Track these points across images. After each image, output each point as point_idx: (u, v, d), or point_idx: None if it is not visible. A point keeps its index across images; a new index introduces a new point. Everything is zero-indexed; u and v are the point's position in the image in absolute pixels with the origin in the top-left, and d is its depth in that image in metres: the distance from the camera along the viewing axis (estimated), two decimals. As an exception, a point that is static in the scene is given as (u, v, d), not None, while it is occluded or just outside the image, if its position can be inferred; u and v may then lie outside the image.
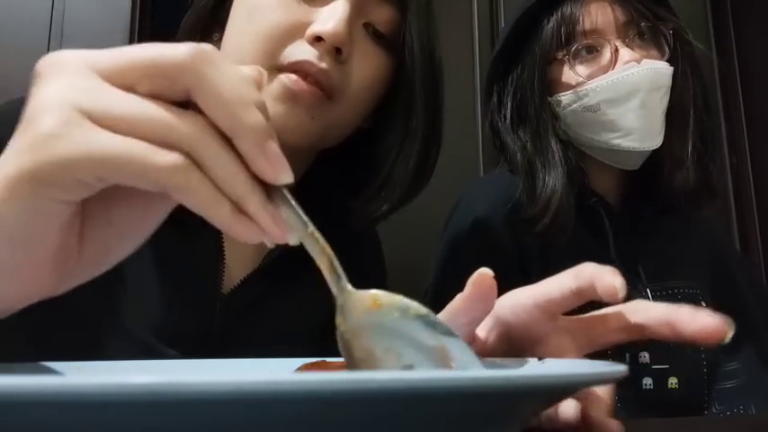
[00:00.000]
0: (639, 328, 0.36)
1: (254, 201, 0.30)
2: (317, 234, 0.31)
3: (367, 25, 0.58)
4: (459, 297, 0.38)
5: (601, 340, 0.39)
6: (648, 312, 0.36)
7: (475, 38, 1.43)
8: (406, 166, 0.59)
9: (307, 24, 0.54)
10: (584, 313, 0.40)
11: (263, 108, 0.31)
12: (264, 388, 0.18)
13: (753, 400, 0.77)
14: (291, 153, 0.61)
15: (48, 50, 1.15)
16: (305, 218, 0.31)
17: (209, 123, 0.29)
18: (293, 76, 0.53)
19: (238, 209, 0.30)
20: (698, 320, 0.33)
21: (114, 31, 1.18)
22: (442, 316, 0.39)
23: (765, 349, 0.82)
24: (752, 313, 0.84)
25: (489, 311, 0.38)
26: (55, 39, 1.15)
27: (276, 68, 0.54)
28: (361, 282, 0.72)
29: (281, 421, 0.20)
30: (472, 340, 0.40)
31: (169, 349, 0.54)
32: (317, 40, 0.53)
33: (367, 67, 0.57)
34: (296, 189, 0.69)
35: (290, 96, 0.53)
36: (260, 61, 0.54)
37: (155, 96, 0.29)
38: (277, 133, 0.57)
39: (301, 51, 0.54)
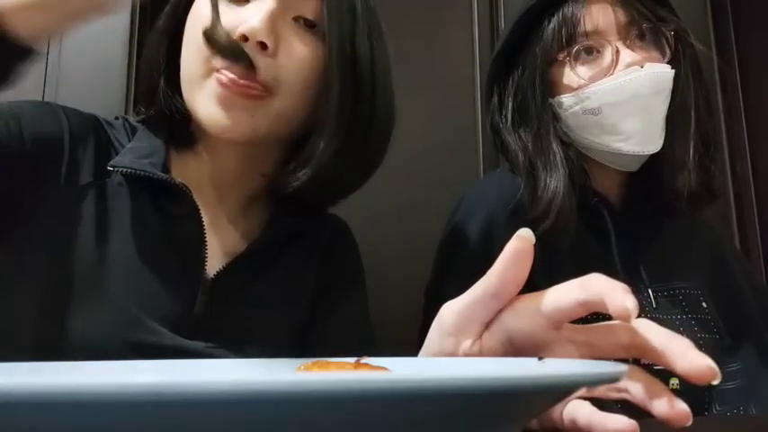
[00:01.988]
0: (640, 349, 0.36)
1: None
2: None
3: (298, 18, 0.61)
4: (494, 265, 0.39)
5: (603, 354, 0.38)
6: (649, 335, 0.36)
7: (475, 38, 1.43)
8: (325, 144, 0.62)
9: (237, 27, 0.58)
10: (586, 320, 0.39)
11: None
12: (265, 388, 0.18)
13: (753, 401, 0.77)
14: (252, 148, 0.65)
15: (47, 52, 1.15)
16: None
17: None
18: (227, 74, 0.57)
19: None
20: (688, 358, 0.33)
21: (114, 31, 1.18)
22: (475, 286, 0.40)
23: (766, 350, 0.81)
24: (752, 314, 0.84)
25: (521, 281, 0.38)
26: (54, 43, 1.15)
27: (213, 70, 0.59)
28: (329, 269, 0.73)
29: (281, 421, 0.20)
30: (486, 327, 0.40)
31: (155, 324, 0.56)
32: (245, 39, 0.58)
33: (296, 56, 0.60)
34: (270, 182, 0.72)
35: (223, 99, 0.58)
36: (200, 67, 0.59)
37: None
38: (223, 130, 0.60)
39: None
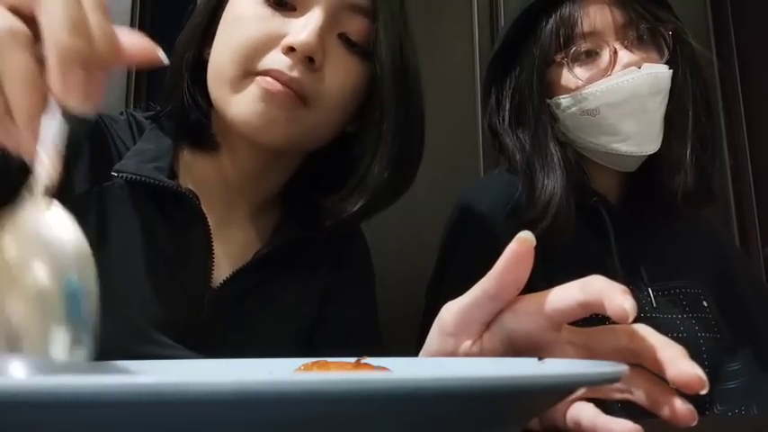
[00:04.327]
0: (635, 354, 0.36)
1: (22, 108, 0.32)
2: (52, 168, 0.32)
3: (341, 36, 0.60)
4: (494, 267, 0.38)
5: (601, 357, 0.39)
6: (645, 341, 0.36)
7: (475, 38, 1.43)
8: (380, 169, 0.61)
9: (282, 35, 0.57)
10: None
11: (104, 39, 0.33)
12: (265, 388, 0.18)
13: (755, 401, 0.77)
14: (277, 154, 0.64)
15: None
16: (55, 149, 0.33)
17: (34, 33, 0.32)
18: (269, 79, 0.57)
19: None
20: (679, 366, 0.33)
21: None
22: (475, 287, 0.40)
23: (767, 350, 0.81)
24: (753, 313, 0.84)
25: (521, 283, 0.38)
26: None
27: (253, 73, 0.58)
28: (339, 273, 0.72)
29: (281, 421, 0.20)
30: (486, 327, 0.40)
31: (160, 335, 0.55)
32: (291, 50, 0.57)
33: (340, 74, 0.60)
34: (284, 190, 0.72)
35: (266, 96, 0.57)
36: (238, 68, 0.58)
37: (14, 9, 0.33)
38: (257, 131, 0.59)
39: (275, 61, 0.57)
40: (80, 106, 0.33)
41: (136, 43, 0.36)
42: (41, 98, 0.32)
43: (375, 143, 0.62)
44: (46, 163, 0.32)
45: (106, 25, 0.34)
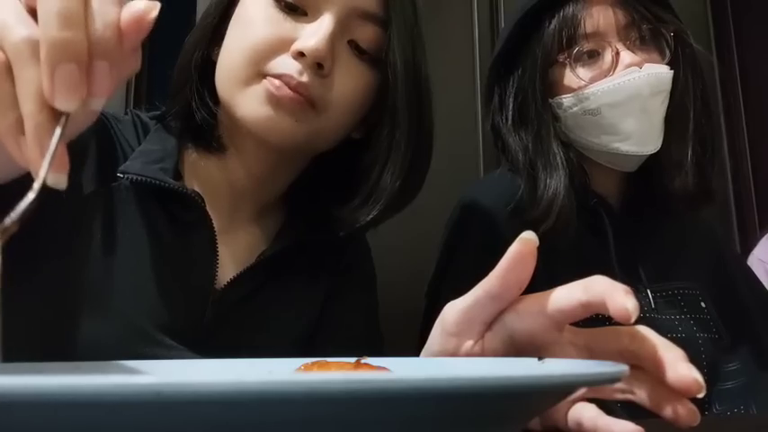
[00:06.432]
0: (635, 355, 0.36)
1: (32, 121, 0.31)
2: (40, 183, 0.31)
3: (351, 42, 0.60)
4: (496, 267, 0.38)
5: (602, 357, 0.39)
6: (645, 342, 0.36)
7: (475, 38, 1.43)
8: (392, 178, 0.61)
9: (292, 39, 0.57)
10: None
11: (103, 28, 0.32)
12: (265, 388, 0.18)
13: (753, 401, 0.77)
14: (283, 157, 0.63)
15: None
16: (49, 161, 0.31)
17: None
18: (277, 82, 0.56)
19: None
20: (677, 370, 0.33)
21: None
22: (477, 287, 0.40)
23: (765, 350, 0.82)
24: (751, 314, 0.84)
25: (523, 283, 0.38)
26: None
27: (262, 75, 0.58)
28: (341, 275, 0.72)
29: (281, 421, 0.20)
30: (488, 327, 0.40)
31: (163, 336, 0.55)
32: (300, 55, 0.56)
33: (349, 81, 0.60)
34: (287, 191, 0.72)
35: (274, 100, 0.57)
36: (247, 69, 0.58)
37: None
38: (264, 132, 0.59)
39: (284, 65, 0.57)
40: (69, 105, 0.31)
41: (131, 18, 0.33)
42: (54, 114, 0.31)
43: (387, 152, 0.61)
44: (31, 193, 0.31)
45: (107, 11, 0.32)
